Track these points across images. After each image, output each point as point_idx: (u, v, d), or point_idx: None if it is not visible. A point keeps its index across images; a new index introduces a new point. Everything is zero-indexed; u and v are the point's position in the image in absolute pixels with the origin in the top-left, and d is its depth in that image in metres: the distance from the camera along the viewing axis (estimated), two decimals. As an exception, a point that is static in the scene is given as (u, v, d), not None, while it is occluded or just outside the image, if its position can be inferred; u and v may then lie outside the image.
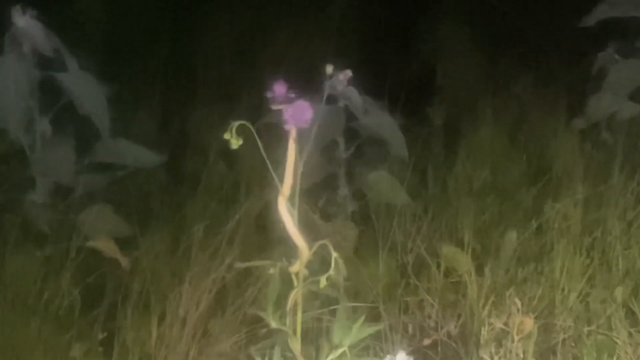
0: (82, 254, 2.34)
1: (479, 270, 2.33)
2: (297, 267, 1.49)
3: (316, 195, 2.61)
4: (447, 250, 2.42)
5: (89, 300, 2.24)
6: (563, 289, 2.29)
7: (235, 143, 1.43)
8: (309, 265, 1.50)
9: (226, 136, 1.43)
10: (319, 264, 1.47)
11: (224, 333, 2.12)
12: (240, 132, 1.43)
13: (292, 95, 1.42)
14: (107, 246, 2.40)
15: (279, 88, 1.42)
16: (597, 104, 2.99)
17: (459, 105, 3.35)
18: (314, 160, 2.44)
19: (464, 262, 2.35)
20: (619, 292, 2.24)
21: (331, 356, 1.51)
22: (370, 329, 1.54)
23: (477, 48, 3.71)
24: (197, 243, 2.33)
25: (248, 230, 2.41)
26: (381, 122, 2.56)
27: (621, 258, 2.39)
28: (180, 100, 3.31)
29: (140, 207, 2.62)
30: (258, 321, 2.04)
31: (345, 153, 2.63)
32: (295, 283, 1.50)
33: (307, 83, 1.57)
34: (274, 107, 1.42)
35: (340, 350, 1.51)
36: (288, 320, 1.51)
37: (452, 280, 2.36)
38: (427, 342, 2.24)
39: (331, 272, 1.43)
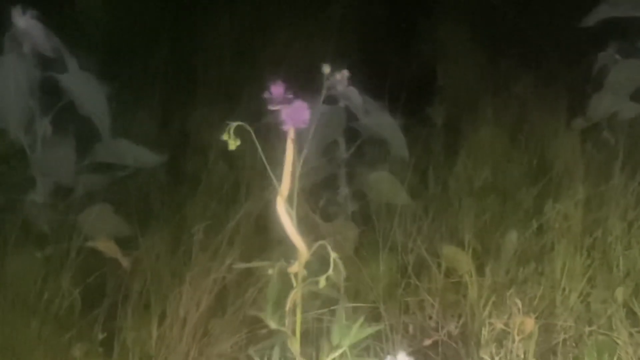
0: (82, 254, 2.34)
1: (480, 270, 2.33)
2: (296, 268, 1.49)
3: (317, 195, 2.61)
4: (448, 250, 2.42)
5: (89, 300, 2.24)
6: (564, 289, 2.28)
7: (233, 144, 1.43)
8: (308, 265, 1.50)
9: (224, 137, 1.43)
10: (319, 264, 1.47)
11: (225, 333, 2.12)
12: (240, 132, 1.43)
13: (290, 95, 1.42)
14: (107, 246, 2.39)
15: (276, 89, 1.42)
16: (597, 104, 2.99)
17: (460, 105, 3.35)
18: (315, 161, 2.45)
19: (465, 262, 2.34)
20: (620, 293, 2.24)
21: (331, 357, 1.51)
22: (370, 329, 1.54)
23: (478, 48, 3.71)
24: (198, 243, 2.32)
25: (248, 231, 2.40)
26: (382, 122, 2.56)
27: (622, 258, 2.39)
28: (180, 100, 3.31)
29: (141, 207, 2.62)
30: (259, 321, 2.03)
31: (346, 153, 2.63)
32: (295, 284, 1.50)
33: (307, 83, 1.57)
34: (272, 107, 1.42)
35: (339, 351, 1.50)
36: (287, 321, 1.50)
37: (453, 280, 2.35)
38: (427, 342, 2.24)
39: (330, 272, 1.43)
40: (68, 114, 2.48)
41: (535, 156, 3.02)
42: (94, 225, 2.43)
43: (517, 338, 2.06)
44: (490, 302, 2.20)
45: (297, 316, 1.51)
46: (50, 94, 2.47)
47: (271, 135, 1.48)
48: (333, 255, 1.42)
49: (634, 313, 2.21)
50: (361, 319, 1.53)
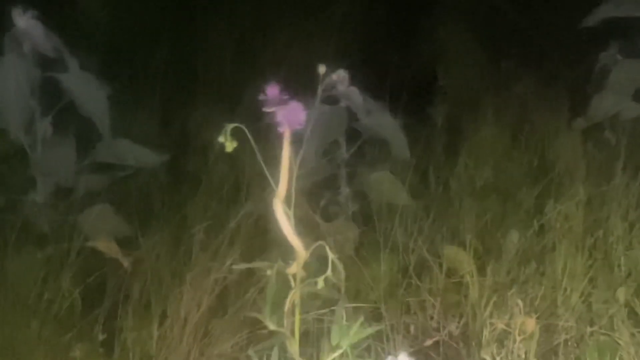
0: (82, 255, 2.34)
1: (481, 270, 2.33)
2: (294, 269, 1.49)
3: (318, 195, 2.61)
4: (449, 250, 2.41)
5: (89, 300, 2.23)
6: (565, 290, 2.28)
7: (230, 146, 1.43)
8: (308, 266, 1.49)
9: (221, 139, 1.42)
10: (319, 264, 1.47)
11: (226, 334, 2.11)
12: (239, 133, 1.43)
13: (285, 96, 1.42)
14: (107, 246, 2.39)
15: (272, 90, 1.42)
16: (599, 103, 2.99)
17: (461, 105, 3.35)
18: (315, 161, 2.45)
19: (466, 263, 2.34)
20: (621, 293, 2.24)
21: (331, 357, 1.51)
22: (370, 330, 1.54)
23: (479, 48, 3.71)
24: (198, 243, 2.32)
25: (249, 231, 2.40)
26: (382, 122, 2.56)
27: (623, 258, 2.38)
28: (181, 100, 3.30)
29: (141, 207, 2.62)
30: (260, 322, 2.02)
31: (347, 153, 2.62)
32: (293, 284, 1.50)
33: (308, 83, 1.56)
34: (267, 109, 1.41)
35: (339, 351, 1.50)
36: (286, 322, 1.50)
37: (454, 280, 2.35)
38: (428, 342, 2.24)
39: (329, 273, 1.43)
40: (68, 114, 2.48)
41: (537, 156, 3.02)
42: (95, 225, 2.43)
43: (518, 338, 2.05)
44: (491, 303, 2.20)
45: (296, 317, 1.51)
46: (50, 94, 2.47)
47: (272, 136, 1.48)
48: (332, 256, 1.42)
49: (636, 313, 2.20)
50: (361, 319, 1.53)
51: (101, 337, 2.12)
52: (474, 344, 2.17)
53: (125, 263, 2.35)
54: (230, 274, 2.20)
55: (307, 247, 1.49)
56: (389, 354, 1.62)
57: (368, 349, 1.72)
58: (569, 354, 2.16)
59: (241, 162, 2.61)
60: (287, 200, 1.47)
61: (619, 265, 2.37)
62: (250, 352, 1.54)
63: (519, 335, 2.05)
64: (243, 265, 1.75)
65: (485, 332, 2.10)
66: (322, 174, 2.57)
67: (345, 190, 2.66)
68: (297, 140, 1.47)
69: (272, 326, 1.50)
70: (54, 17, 2.44)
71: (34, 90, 2.46)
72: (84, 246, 2.36)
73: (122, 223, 2.49)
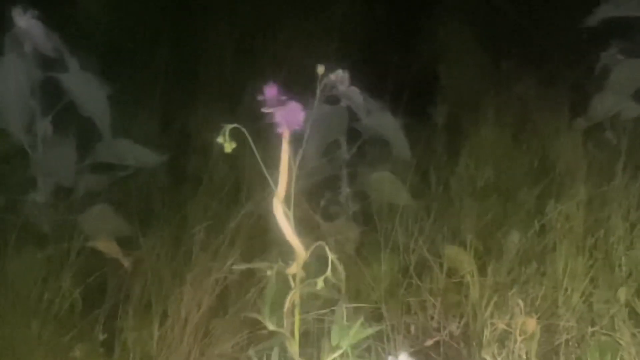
0: (83, 254, 2.34)
1: (482, 270, 2.32)
2: (294, 269, 1.48)
3: (318, 195, 2.61)
4: (450, 250, 2.41)
5: (90, 300, 2.23)
6: (566, 290, 2.28)
7: (229, 147, 1.43)
8: (308, 266, 1.49)
9: (219, 140, 1.42)
10: (320, 265, 1.47)
11: (226, 334, 2.11)
12: (239, 133, 1.43)
13: (284, 97, 1.42)
14: (108, 246, 2.39)
15: (270, 91, 1.41)
16: (600, 103, 2.99)
17: (461, 105, 3.35)
18: (316, 161, 2.45)
19: (467, 263, 2.34)
20: (622, 293, 2.23)
21: (331, 357, 1.50)
22: (370, 330, 1.53)
23: (480, 48, 3.71)
24: (199, 243, 2.32)
25: (250, 231, 2.40)
26: (383, 122, 2.56)
27: (624, 258, 2.38)
28: (181, 101, 3.30)
29: (142, 207, 2.62)
30: (260, 322, 2.03)
31: (348, 153, 2.62)
32: (293, 285, 1.49)
33: (309, 83, 1.56)
34: (266, 110, 1.41)
35: (339, 352, 1.50)
36: (286, 322, 1.50)
37: (455, 280, 2.35)
38: (429, 342, 2.24)
39: (328, 273, 1.43)
40: (69, 114, 2.48)
41: (537, 156, 3.02)
42: (95, 225, 2.43)
43: (519, 338, 2.05)
44: (492, 303, 2.19)
45: (295, 317, 1.51)
46: (51, 94, 2.47)
47: (272, 136, 1.48)
48: (331, 256, 1.42)
49: (637, 313, 2.20)
50: (361, 320, 1.53)
51: (101, 337, 2.12)
52: (474, 344, 2.16)
53: (126, 263, 2.34)
54: (230, 274, 2.20)
55: (307, 247, 1.48)
56: (390, 354, 1.61)
57: (368, 349, 1.72)
58: (569, 354, 2.16)
59: (241, 162, 2.61)
60: (286, 201, 1.47)
61: (619, 265, 2.37)
62: (251, 352, 1.54)
63: (520, 335, 2.05)
64: (243, 266, 1.75)
65: (486, 332, 2.10)
66: (322, 174, 2.57)
67: (345, 190, 2.66)
68: (298, 140, 1.47)
69: (271, 327, 1.50)
70: (54, 17, 2.44)
71: (35, 90, 2.46)
72: (84, 246, 2.36)
73: (122, 223, 2.48)
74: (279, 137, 1.45)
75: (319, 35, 3.77)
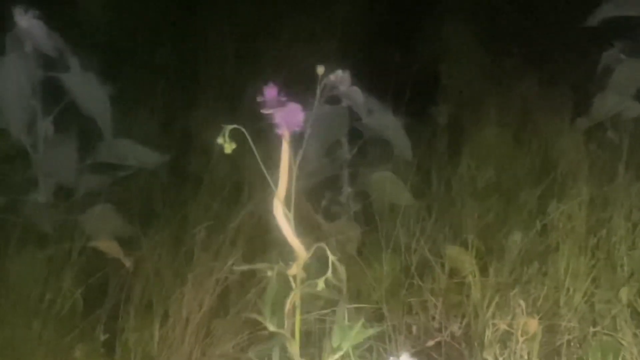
0: (84, 255, 2.34)
1: (483, 270, 2.32)
2: (295, 270, 1.48)
3: (319, 195, 2.60)
4: (451, 250, 2.41)
5: (91, 300, 2.23)
6: (568, 290, 2.28)
7: (229, 147, 1.42)
8: (309, 267, 1.49)
9: (219, 140, 1.42)
10: (321, 265, 1.46)
11: (227, 334, 2.11)
12: (240, 133, 1.42)
13: (283, 98, 1.41)
14: (109, 246, 2.39)
15: (270, 92, 1.41)
16: (602, 103, 2.98)
17: (463, 105, 3.34)
18: (317, 161, 2.44)
19: (468, 263, 2.34)
20: (624, 293, 2.23)
21: (332, 358, 1.50)
22: (371, 331, 1.53)
23: (481, 47, 3.70)
24: (200, 243, 2.32)
25: (251, 231, 2.40)
26: (385, 122, 2.55)
27: (626, 258, 2.38)
28: (182, 100, 3.30)
29: (143, 207, 2.62)
30: (261, 322, 2.03)
31: (349, 153, 2.62)
32: (294, 286, 1.49)
33: (310, 83, 1.56)
34: (265, 111, 1.41)
35: (339, 353, 1.50)
36: (286, 323, 1.50)
37: (456, 280, 2.35)
38: (430, 343, 2.23)
39: (329, 274, 1.42)
40: (70, 113, 2.48)
41: (539, 156, 3.01)
42: (96, 225, 2.43)
43: (520, 339, 2.05)
44: (493, 303, 2.19)
45: (296, 318, 1.51)
46: (52, 93, 2.47)
47: (274, 136, 1.47)
48: (332, 257, 1.41)
49: (639, 313, 2.20)
50: (362, 320, 1.52)
51: (102, 337, 2.12)
52: (476, 344, 2.16)
53: (127, 263, 2.34)
54: (231, 274, 2.20)
55: (308, 247, 1.48)
56: (391, 354, 1.61)
57: (370, 349, 1.72)
58: (571, 355, 2.16)
59: (242, 162, 2.61)
60: (286, 202, 1.47)
61: (621, 266, 2.37)
62: (251, 353, 1.54)
63: (522, 335, 2.05)
64: (244, 267, 1.75)
65: (488, 333, 2.10)
66: (324, 174, 2.56)
67: (347, 190, 2.66)
68: (299, 140, 1.46)
69: (272, 327, 1.49)
70: (55, 17, 2.44)
71: (36, 90, 2.45)
72: (85, 246, 2.36)
73: (123, 223, 2.48)
74: (279, 138, 1.45)
75: (320, 35, 3.77)
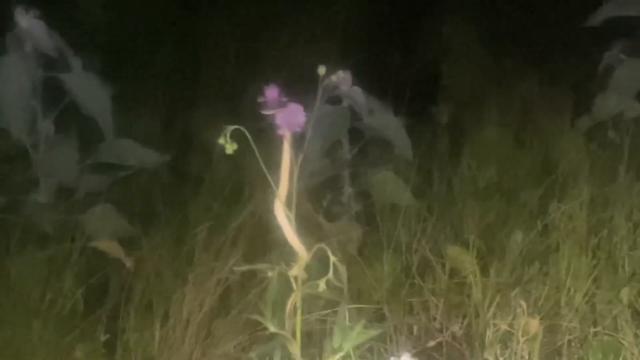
0: (85, 255, 2.34)
1: (484, 271, 2.32)
2: (296, 271, 1.48)
3: (320, 195, 2.60)
4: (452, 250, 2.41)
5: (91, 301, 2.23)
6: (569, 290, 2.27)
7: (230, 148, 1.42)
8: (310, 267, 1.49)
9: (220, 141, 1.42)
10: (322, 265, 1.46)
11: (228, 334, 2.11)
12: (241, 134, 1.42)
13: (284, 99, 1.41)
14: (110, 247, 2.39)
15: (271, 92, 1.41)
16: (603, 103, 2.98)
17: (464, 105, 3.34)
18: (318, 161, 2.44)
19: (469, 263, 2.34)
20: (625, 293, 2.23)
21: (332, 359, 1.50)
22: (372, 332, 1.53)
23: (482, 47, 3.70)
24: (201, 243, 2.32)
25: (252, 231, 2.40)
26: (386, 122, 2.55)
27: (627, 259, 2.38)
28: (183, 100, 3.30)
29: (144, 207, 2.62)
30: (262, 323, 2.03)
31: (350, 153, 2.62)
32: (295, 286, 1.49)
33: (311, 83, 1.56)
34: (266, 111, 1.41)
35: (340, 354, 1.50)
36: (287, 324, 1.49)
37: (457, 281, 2.35)
38: (431, 343, 2.23)
39: (330, 275, 1.42)
40: (71, 114, 2.48)
41: (540, 156, 3.01)
42: (97, 225, 2.43)
43: (521, 339, 2.05)
44: (494, 303, 2.19)
45: (297, 319, 1.50)
46: (53, 94, 2.47)
47: (275, 136, 1.47)
48: (333, 258, 1.41)
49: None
50: (363, 322, 1.52)
51: (103, 337, 2.12)
52: (477, 344, 2.16)
53: (128, 263, 2.34)
54: (232, 275, 2.20)
55: (309, 247, 1.48)
56: (392, 355, 1.61)
57: (371, 349, 1.71)
58: (572, 355, 2.15)
59: (243, 162, 2.61)
60: (287, 202, 1.46)
61: (622, 266, 2.37)
62: (252, 354, 1.54)
63: (523, 336, 2.05)
64: (245, 267, 1.75)
65: (489, 333, 2.09)
66: (325, 174, 2.56)
67: (348, 191, 2.66)
68: (300, 140, 1.46)
69: (273, 328, 1.49)
70: (56, 17, 2.43)
71: (36, 90, 2.45)
72: (86, 246, 2.36)
73: (124, 223, 2.48)
74: (280, 138, 1.45)
75: (321, 35, 3.77)
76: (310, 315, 1.97)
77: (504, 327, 2.09)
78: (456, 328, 2.26)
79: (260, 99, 1.41)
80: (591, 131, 3.04)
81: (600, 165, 2.87)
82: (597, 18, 2.93)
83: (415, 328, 2.27)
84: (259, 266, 1.53)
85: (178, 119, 3.18)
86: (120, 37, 3.52)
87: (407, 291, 2.33)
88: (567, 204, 2.54)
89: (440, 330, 2.27)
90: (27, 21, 2.39)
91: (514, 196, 2.73)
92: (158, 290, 2.21)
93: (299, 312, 1.50)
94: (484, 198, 2.72)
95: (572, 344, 2.18)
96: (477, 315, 2.22)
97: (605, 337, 2.14)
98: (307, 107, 1.43)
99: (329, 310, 1.97)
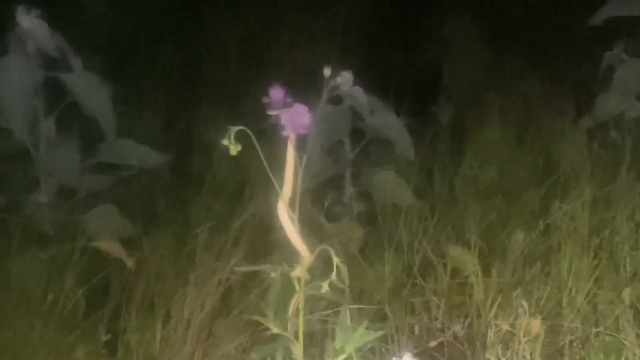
0: (86, 255, 2.33)
1: (486, 271, 2.32)
2: (299, 272, 1.48)
3: (322, 195, 2.60)
4: (454, 250, 2.41)
5: (93, 301, 2.23)
6: (570, 290, 2.27)
7: (234, 149, 1.42)
8: (312, 268, 1.49)
9: (224, 142, 1.41)
10: (323, 264, 1.46)
11: (229, 334, 2.11)
12: (243, 134, 1.42)
13: (289, 100, 1.40)
14: (111, 247, 2.39)
15: (276, 93, 1.40)
16: (604, 103, 2.98)
17: (466, 104, 3.34)
18: (320, 161, 2.44)
19: (471, 263, 2.34)
20: (627, 293, 2.23)
21: (334, 360, 1.50)
22: (374, 334, 1.53)
23: (484, 47, 3.70)
24: (202, 244, 2.32)
25: (253, 231, 2.40)
26: (387, 122, 2.55)
27: (629, 259, 2.38)
28: (185, 100, 3.30)
29: (145, 207, 2.62)
30: (263, 323, 2.03)
31: (351, 153, 2.62)
32: (297, 287, 1.49)
33: (313, 84, 1.56)
34: (271, 112, 1.40)
35: (343, 356, 1.49)
36: (290, 325, 1.49)
37: (459, 281, 2.34)
38: (433, 343, 2.23)
39: (333, 277, 1.42)
40: (72, 114, 2.48)
41: (542, 156, 3.01)
42: (98, 225, 2.43)
43: (523, 339, 2.05)
44: (496, 303, 2.19)
45: (299, 320, 1.50)
46: (54, 94, 2.47)
47: (276, 136, 1.47)
48: (336, 260, 1.41)
49: (641, 314, 2.20)
50: (365, 323, 1.52)
51: (104, 337, 2.12)
52: (478, 345, 2.16)
53: (129, 263, 2.34)
54: (234, 274, 2.20)
55: (311, 248, 1.48)
56: (394, 355, 1.61)
57: (372, 350, 1.71)
58: (574, 355, 2.15)
59: (245, 162, 2.61)
60: (291, 204, 1.46)
61: (624, 266, 2.36)
62: (253, 355, 1.54)
63: (524, 336, 2.05)
64: (245, 268, 1.75)
65: (490, 333, 2.09)
66: (326, 174, 2.56)
67: (349, 191, 2.66)
68: (302, 141, 1.46)
69: (275, 330, 1.49)
70: (57, 17, 2.43)
71: (38, 90, 2.45)
72: (87, 246, 2.35)
73: (125, 223, 2.48)
74: (283, 138, 1.44)
75: (323, 35, 3.77)
76: (312, 315, 1.96)
77: (505, 327, 2.08)
78: (458, 328, 2.26)
79: (265, 99, 1.40)
80: (593, 131, 3.04)
81: (602, 166, 2.87)
82: (599, 18, 2.92)
83: (416, 328, 2.27)
84: (261, 267, 1.53)
85: (179, 119, 3.18)
86: (121, 37, 3.52)
87: (409, 291, 2.33)
88: (569, 204, 2.54)
89: (442, 331, 2.27)
90: (28, 21, 2.39)
91: (515, 196, 2.73)
92: (159, 290, 2.20)
93: (301, 313, 1.50)
94: (485, 198, 2.72)
95: (574, 344, 2.17)
96: (479, 316, 2.22)
97: (607, 338, 2.13)
98: (309, 108, 1.43)
99: (330, 311, 1.97)
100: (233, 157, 1.45)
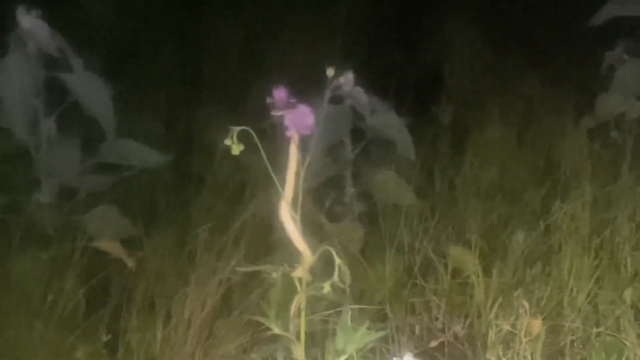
0: (87, 255, 2.33)
1: (486, 271, 2.32)
2: (300, 273, 1.48)
3: (323, 195, 2.60)
4: (454, 250, 2.41)
5: (93, 301, 2.23)
6: (571, 290, 2.27)
7: (236, 149, 1.42)
8: (314, 268, 1.48)
9: (227, 142, 1.41)
10: (325, 264, 1.46)
11: (230, 335, 2.11)
12: (245, 134, 1.42)
13: (293, 100, 1.40)
14: (112, 247, 2.39)
15: (279, 93, 1.40)
16: (605, 103, 2.98)
17: (466, 105, 3.34)
18: (321, 161, 2.44)
19: (471, 263, 2.33)
20: (628, 294, 2.23)
21: (335, 360, 1.50)
22: (375, 335, 1.53)
23: (485, 47, 3.70)
24: (203, 244, 2.32)
25: (254, 231, 2.40)
26: (388, 122, 2.55)
27: (630, 259, 2.38)
28: (185, 100, 3.30)
29: (146, 207, 2.62)
30: (264, 324, 2.03)
31: (352, 153, 2.61)
32: (299, 288, 1.49)
33: (314, 84, 1.56)
34: (275, 113, 1.40)
35: (344, 357, 1.49)
36: (291, 326, 1.49)
37: (459, 281, 2.34)
38: (433, 343, 2.23)
39: (335, 278, 1.42)
40: (73, 114, 2.48)
41: (543, 156, 3.01)
42: (99, 225, 2.43)
43: (524, 339, 2.04)
44: (497, 303, 2.19)
45: (301, 321, 1.50)
46: (55, 94, 2.47)
47: (277, 136, 1.47)
48: (338, 261, 1.41)
49: (642, 314, 2.20)
50: (366, 324, 1.52)
51: (105, 338, 2.12)
52: (479, 345, 2.16)
53: (130, 263, 2.34)
54: (234, 275, 2.20)
55: (312, 248, 1.48)
56: (394, 355, 1.61)
57: (373, 350, 1.71)
58: (575, 355, 2.15)
59: (246, 162, 2.61)
60: (293, 204, 1.46)
61: (625, 266, 2.36)
62: (254, 355, 1.53)
63: (525, 336, 2.04)
64: (246, 268, 1.75)
65: (491, 333, 2.09)
66: (327, 174, 2.56)
67: (350, 191, 2.65)
68: (303, 141, 1.46)
69: (276, 330, 1.49)
70: (58, 17, 2.43)
71: (38, 90, 2.45)
72: (88, 246, 2.35)
73: (126, 223, 2.48)
74: (285, 138, 1.44)
75: (323, 35, 3.77)
76: (313, 315, 1.96)
77: (506, 327, 2.08)
78: (458, 328, 2.26)
79: (268, 100, 1.40)
80: (594, 131, 3.04)
81: (603, 166, 2.87)
82: (600, 18, 2.92)
83: (417, 328, 2.27)
84: (262, 267, 1.53)
85: (180, 119, 3.18)
86: (122, 37, 3.53)
87: (410, 291, 2.33)
88: (570, 204, 2.54)
89: (443, 331, 2.26)
90: (29, 21, 2.38)
91: (516, 196, 2.73)
92: (160, 290, 2.20)
93: (303, 314, 1.50)
94: (486, 198, 2.72)
95: (575, 344, 2.17)
96: (480, 316, 2.22)
97: (608, 338, 2.13)
98: (311, 108, 1.42)
99: (331, 311, 1.97)
100: (234, 157, 1.44)
